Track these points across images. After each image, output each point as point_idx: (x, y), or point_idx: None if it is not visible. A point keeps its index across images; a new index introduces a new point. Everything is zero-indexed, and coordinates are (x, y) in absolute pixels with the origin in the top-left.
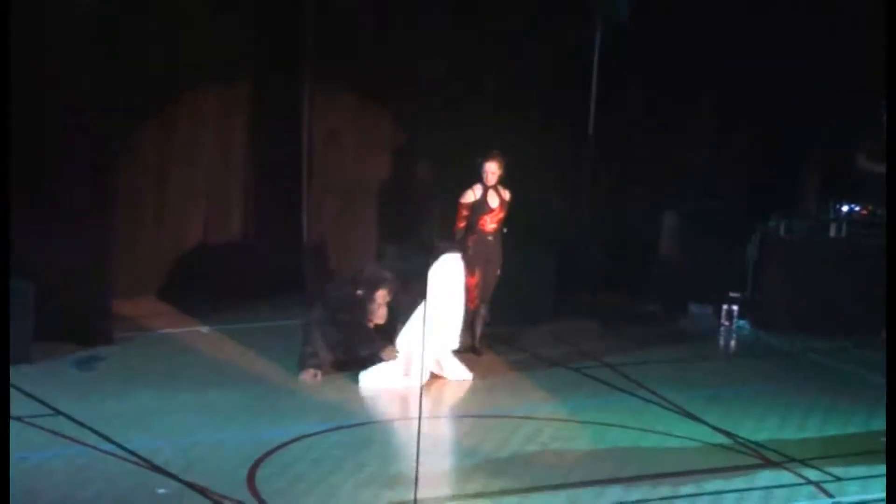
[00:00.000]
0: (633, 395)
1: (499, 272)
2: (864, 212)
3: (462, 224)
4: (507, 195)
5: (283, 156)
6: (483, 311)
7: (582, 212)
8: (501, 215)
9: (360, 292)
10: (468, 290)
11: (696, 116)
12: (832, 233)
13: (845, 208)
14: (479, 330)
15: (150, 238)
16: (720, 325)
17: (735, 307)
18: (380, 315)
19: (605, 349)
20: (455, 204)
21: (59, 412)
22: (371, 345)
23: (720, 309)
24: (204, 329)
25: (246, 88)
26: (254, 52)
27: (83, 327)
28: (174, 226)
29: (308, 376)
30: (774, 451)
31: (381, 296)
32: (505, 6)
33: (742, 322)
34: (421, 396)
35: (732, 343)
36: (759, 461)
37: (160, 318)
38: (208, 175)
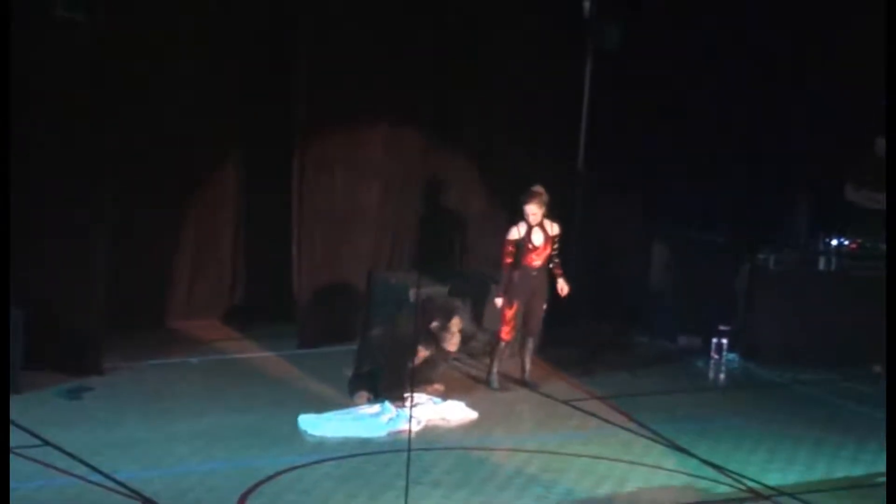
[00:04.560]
0: (622, 427)
1: (545, 305)
2: (854, 245)
3: (509, 260)
4: (555, 229)
5: (274, 183)
6: (531, 343)
7: (572, 242)
8: (548, 251)
9: (435, 324)
10: (504, 321)
11: (687, 147)
12: (822, 266)
13: (835, 241)
14: (528, 363)
15: (139, 267)
16: (710, 357)
17: (724, 339)
18: (453, 343)
19: (594, 381)
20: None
21: (47, 443)
22: (398, 385)
23: (710, 341)
24: (194, 360)
25: (238, 116)
26: (244, 81)
27: (72, 357)
28: (164, 254)
29: (361, 399)
30: (763, 483)
31: (456, 324)
32: (497, 36)
33: (731, 354)
34: (410, 428)
35: (722, 375)
36: (748, 494)
37: (149, 349)
38: (200, 202)
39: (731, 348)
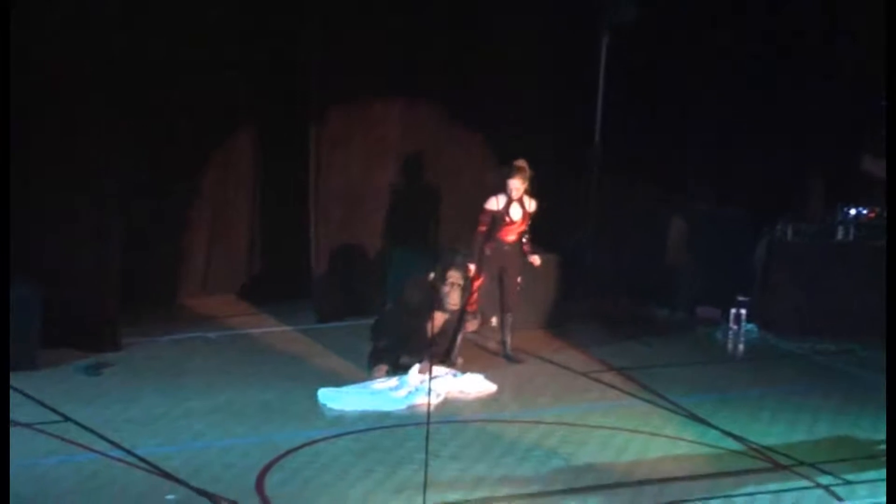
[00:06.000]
0: (641, 399)
1: (519, 279)
2: (872, 214)
3: (483, 229)
4: (532, 206)
5: (290, 162)
6: (510, 319)
7: (589, 215)
8: (524, 227)
9: (432, 275)
10: (471, 292)
11: (702, 119)
12: (840, 236)
13: (853, 211)
14: (508, 338)
15: (155, 243)
16: (728, 328)
17: (743, 310)
18: (452, 300)
19: (612, 353)
20: (464, 207)
21: (67, 418)
22: (417, 352)
23: (728, 312)
24: (211, 335)
25: (252, 95)
26: (259, 58)
27: (90, 333)
28: (180, 230)
29: (380, 373)
30: (783, 454)
31: (453, 276)
32: (511, 10)
33: (750, 325)
34: (429, 401)
35: (740, 346)
36: (768, 465)
37: (166, 324)
38: (215, 176)
39: (749, 319)
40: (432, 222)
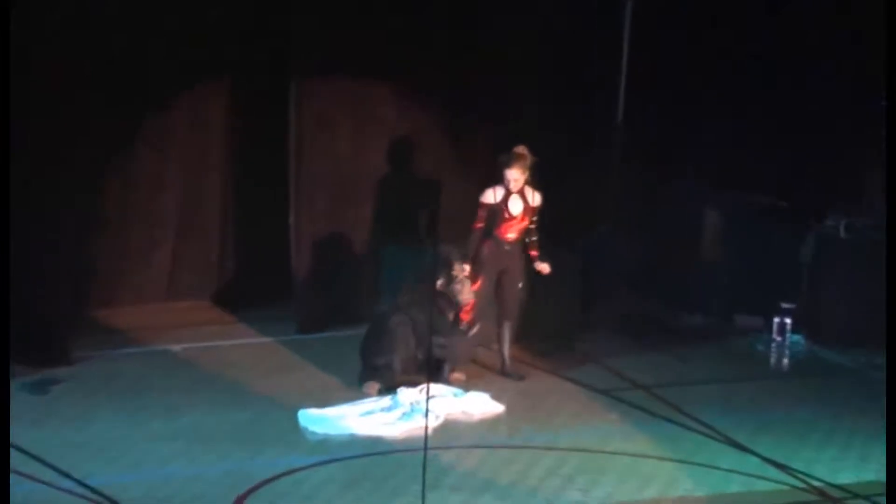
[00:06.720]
0: (670, 421)
1: (521, 286)
2: None
3: (480, 225)
4: (536, 199)
5: (269, 143)
6: (508, 330)
7: (611, 209)
8: (525, 223)
9: (440, 281)
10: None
11: (741, 103)
12: None
13: None
14: (506, 350)
15: (113, 241)
16: (771, 339)
17: (788, 319)
18: (466, 292)
19: (636, 367)
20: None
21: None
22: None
23: (771, 321)
24: (176, 347)
25: (227, 67)
26: (237, 31)
27: (37, 346)
28: (142, 225)
29: (372, 390)
30: (834, 485)
31: (459, 270)
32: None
33: (796, 336)
34: (426, 424)
35: (785, 360)
36: (816, 497)
37: (126, 335)
38: (182, 164)
39: (795, 329)
40: (433, 215)
